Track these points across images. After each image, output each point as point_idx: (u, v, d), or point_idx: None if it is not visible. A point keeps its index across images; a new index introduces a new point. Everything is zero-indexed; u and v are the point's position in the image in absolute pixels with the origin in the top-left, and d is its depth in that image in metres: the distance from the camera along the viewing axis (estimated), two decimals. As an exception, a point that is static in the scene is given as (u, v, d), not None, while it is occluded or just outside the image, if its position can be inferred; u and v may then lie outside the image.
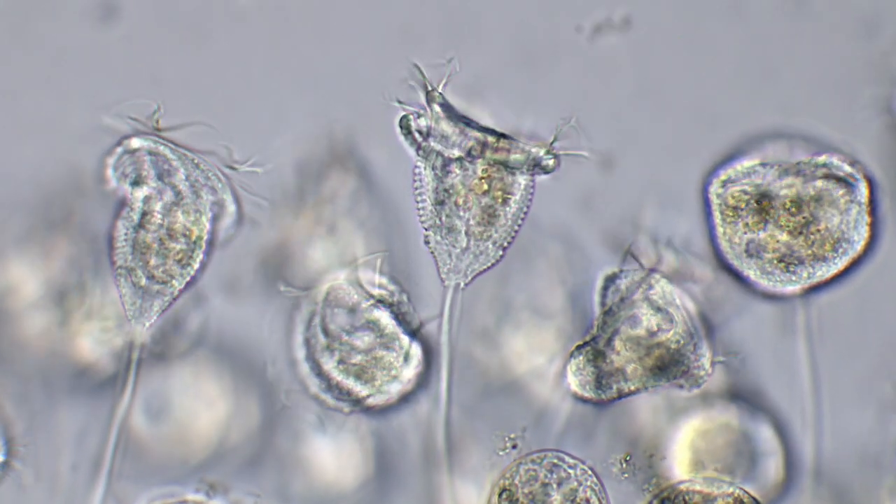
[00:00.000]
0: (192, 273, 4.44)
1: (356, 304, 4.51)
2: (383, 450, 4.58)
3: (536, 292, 4.58)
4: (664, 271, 4.51)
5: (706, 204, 4.52)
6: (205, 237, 4.46)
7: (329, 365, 4.51)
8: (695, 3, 4.58)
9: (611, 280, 4.52)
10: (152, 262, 4.42)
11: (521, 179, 4.49)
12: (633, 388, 4.50)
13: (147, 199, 4.42)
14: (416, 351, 4.53)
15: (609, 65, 4.57)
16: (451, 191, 4.47)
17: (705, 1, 4.58)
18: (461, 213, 4.47)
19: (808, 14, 4.58)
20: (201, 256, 4.46)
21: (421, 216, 4.51)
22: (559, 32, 4.56)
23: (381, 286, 4.54)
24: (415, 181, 4.51)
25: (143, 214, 4.42)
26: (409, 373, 4.53)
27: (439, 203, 4.48)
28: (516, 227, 4.50)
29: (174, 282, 4.42)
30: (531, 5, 4.57)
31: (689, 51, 4.58)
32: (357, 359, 4.50)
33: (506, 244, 4.50)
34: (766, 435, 4.56)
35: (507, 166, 4.47)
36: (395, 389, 4.55)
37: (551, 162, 4.47)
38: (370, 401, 4.53)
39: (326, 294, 4.53)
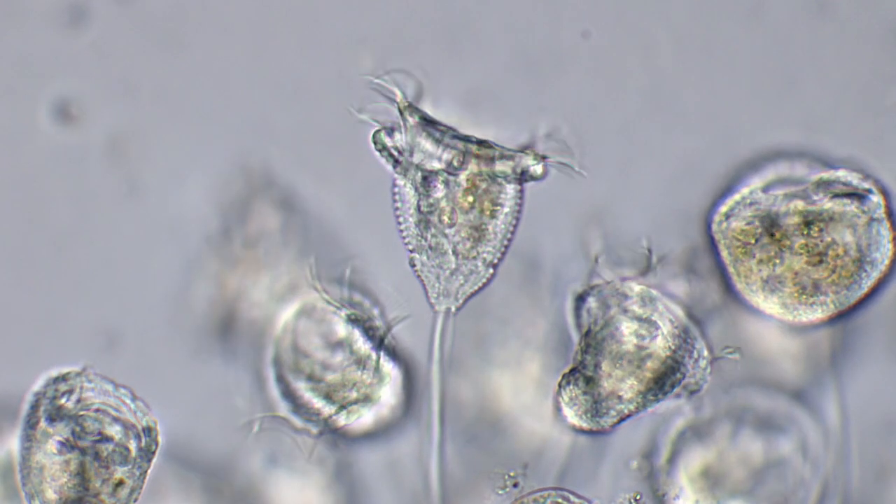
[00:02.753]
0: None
1: (328, 320, 4.44)
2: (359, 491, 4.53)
3: (519, 324, 4.50)
4: (637, 278, 4.42)
5: (712, 243, 4.43)
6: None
7: (298, 383, 4.43)
8: (710, 6, 4.50)
9: (581, 299, 4.42)
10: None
11: (510, 188, 4.35)
12: (632, 408, 4.38)
13: None
14: (389, 369, 4.45)
15: (617, 72, 4.50)
16: (434, 207, 4.34)
17: (722, 4, 4.51)
18: (447, 231, 4.33)
19: (832, 18, 4.50)
20: None
21: (404, 237, 4.37)
22: (564, 38, 4.50)
23: (352, 302, 4.46)
24: (395, 200, 4.37)
25: None
26: (385, 393, 4.45)
27: (423, 221, 4.35)
28: (506, 241, 4.37)
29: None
30: (534, 8, 4.51)
31: (704, 57, 4.50)
32: (328, 377, 4.41)
33: (496, 261, 4.37)
34: (793, 461, 4.49)
35: (492, 175, 4.33)
36: (367, 410, 4.46)
37: (539, 168, 4.34)
38: (340, 421, 4.43)
39: (298, 310, 4.45)
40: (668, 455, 4.46)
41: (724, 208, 4.42)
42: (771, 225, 4.36)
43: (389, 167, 4.36)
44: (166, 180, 4.52)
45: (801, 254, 4.35)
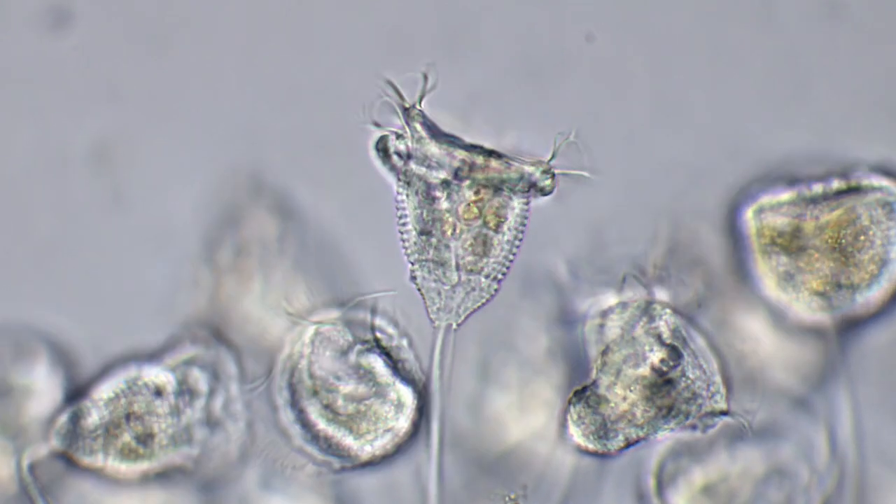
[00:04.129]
0: None
1: (347, 347, 4.35)
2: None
3: (522, 342, 4.44)
4: (666, 301, 4.37)
5: (741, 229, 4.43)
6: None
7: (315, 414, 4.35)
8: (719, 9, 4.48)
9: (603, 315, 4.38)
10: None
11: (516, 202, 4.27)
12: (641, 434, 4.34)
13: None
14: (409, 400, 4.36)
15: (623, 77, 4.47)
16: (437, 219, 4.26)
17: (730, 6, 4.48)
18: (450, 244, 4.25)
19: (844, 20, 4.49)
20: None
21: (406, 249, 4.30)
22: (567, 41, 4.46)
23: (377, 329, 4.38)
24: (397, 210, 4.29)
25: None
26: (403, 424, 4.37)
27: (425, 233, 4.26)
28: (511, 257, 4.29)
29: None
30: (536, 11, 4.46)
31: (713, 61, 4.47)
32: (348, 408, 4.33)
33: (501, 276, 4.29)
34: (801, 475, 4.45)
35: (498, 187, 4.25)
36: (388, 440, 4.39)
37: (548, 182, 4.27)
38: (364, 455, 4.36)
39: (314, 335, 4.36)
40: (658, 476, 4.44)
41: (758, 202, 4.42)
42: (798, 229, 4.39)
43: (391, 176, 4.31)
44: (153, 189, 4.49)
45: (823, 253, 4.38)
